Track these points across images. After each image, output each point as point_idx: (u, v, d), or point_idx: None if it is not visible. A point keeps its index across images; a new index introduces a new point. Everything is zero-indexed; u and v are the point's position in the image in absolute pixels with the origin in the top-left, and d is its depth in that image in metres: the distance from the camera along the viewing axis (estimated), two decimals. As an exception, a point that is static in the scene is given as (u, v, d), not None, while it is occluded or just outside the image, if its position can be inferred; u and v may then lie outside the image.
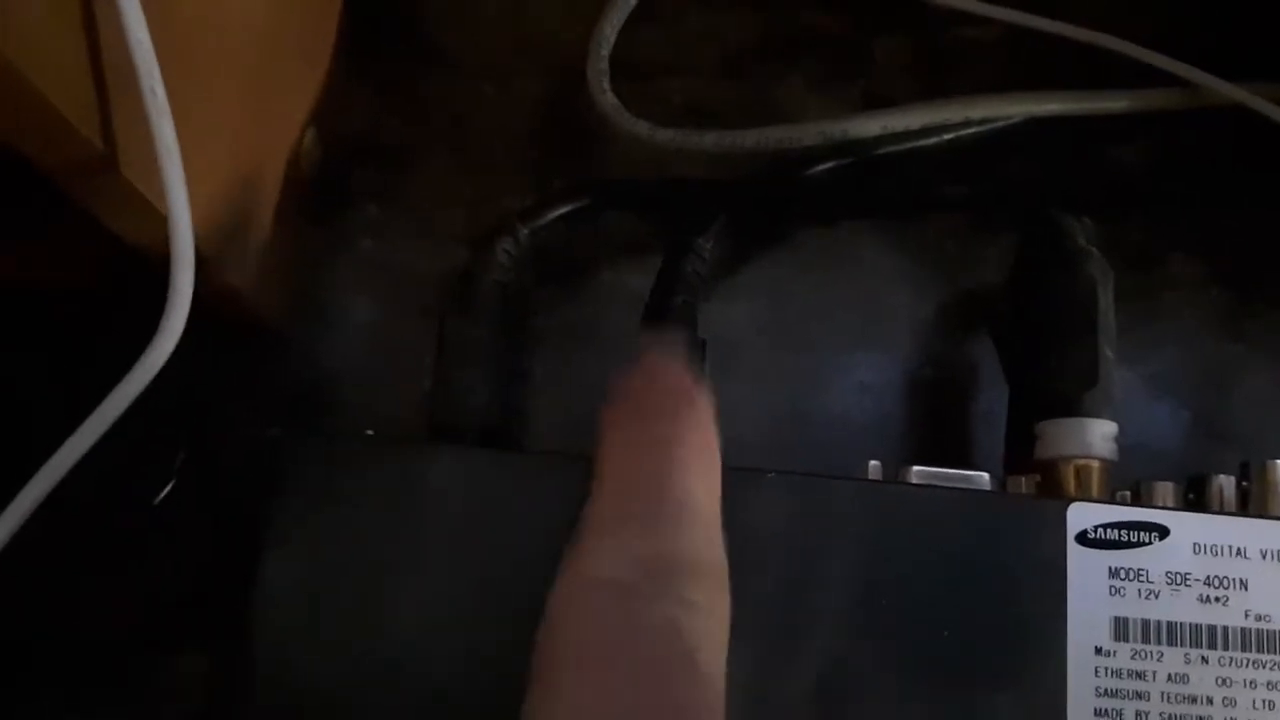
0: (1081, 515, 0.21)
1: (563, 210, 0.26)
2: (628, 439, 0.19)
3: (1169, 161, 0.31)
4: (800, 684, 0.21)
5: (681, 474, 0.18)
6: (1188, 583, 0.21)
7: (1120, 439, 0.24)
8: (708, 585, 0.17)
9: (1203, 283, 0.30)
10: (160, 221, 0.19)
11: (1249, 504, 0.23)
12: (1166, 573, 0.21)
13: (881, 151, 0.29)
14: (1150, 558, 0.21)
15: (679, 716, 0.16)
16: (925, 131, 0.29)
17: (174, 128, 0.18)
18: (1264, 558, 0.21)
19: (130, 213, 0.20)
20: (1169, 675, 0.21)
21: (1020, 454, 0.24)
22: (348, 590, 0.21)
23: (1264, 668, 0.21)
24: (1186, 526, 0.21)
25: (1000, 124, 0.29)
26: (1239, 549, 0.21)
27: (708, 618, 0.17)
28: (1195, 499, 0.24)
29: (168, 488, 0.21)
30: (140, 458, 0.22)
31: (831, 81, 0.31)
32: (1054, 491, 0.23)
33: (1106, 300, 0.24)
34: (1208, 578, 0.21)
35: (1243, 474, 0.23)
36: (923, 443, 0.29)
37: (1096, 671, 0.21)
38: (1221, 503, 0.23)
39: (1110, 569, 0.21)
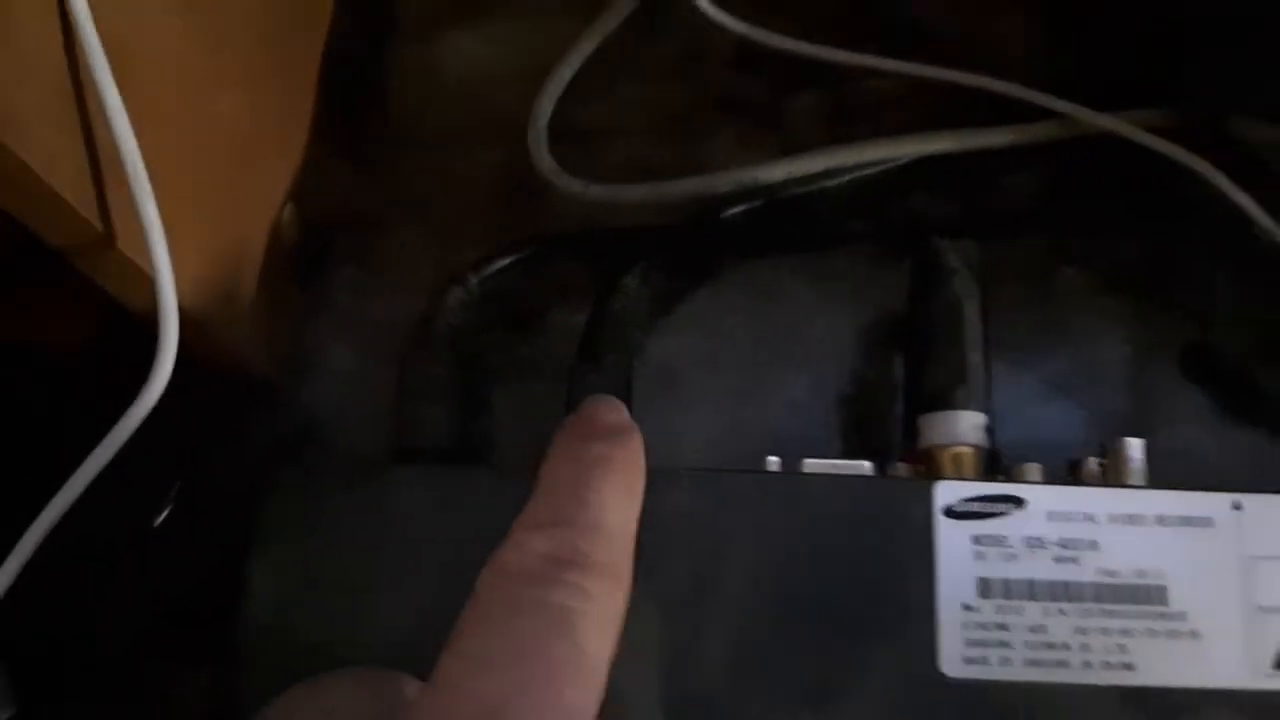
0: (947, 492, 0.25)
1: (506, 261, 0.30)
2: (566, 455, 0.22)
3: (1055, 186, 0.34)
4: (710, 653, 0.24)
5: (602, 490, 0.21)
6: (1044, 545, 0.24)
7: (992, 427, 0.27)
8: (606, 586, 0.19)
9: (1090, 293, 0.33)
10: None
11: (1107, 477, 0.26)
12: (1025, 538, 0.24)
13: (790, 193, 0.33)
14: (1010, 526, 0.25)
15: (560, 715, 0.17)
16: (828, 174, 0.32)
17: (156, 207, 0.22)
18: (1111, 521, 0.25)
19: (128, 282, 0.24)
20: (1029, 626, 0.24)
21: (910, 446, 0.28)
22: (325, 597, 0.25)
23: (1114, 617, 0.24)
24: (1041, 497, 0.25)
25: (895, 163, 0.33)
26: (1089, 515, 0.25)
27: (600, 615, 0.19)
28: (1071, 478, 0.27)
29: (165, 513, 0.25)
30: (142, 490, 0.26)
31: (752, 137, 0.35)
32: (933, 475, 0.26)
33: (973, 310, 0.27)
34: (1061, 540, 0.24)
35: (1102, 453, 0.27)
36: (848, 449, 0.32)
37: (965, 625, 0.24)
38: (1090, 479, 0.27)
39: (974, 537, 0.24)
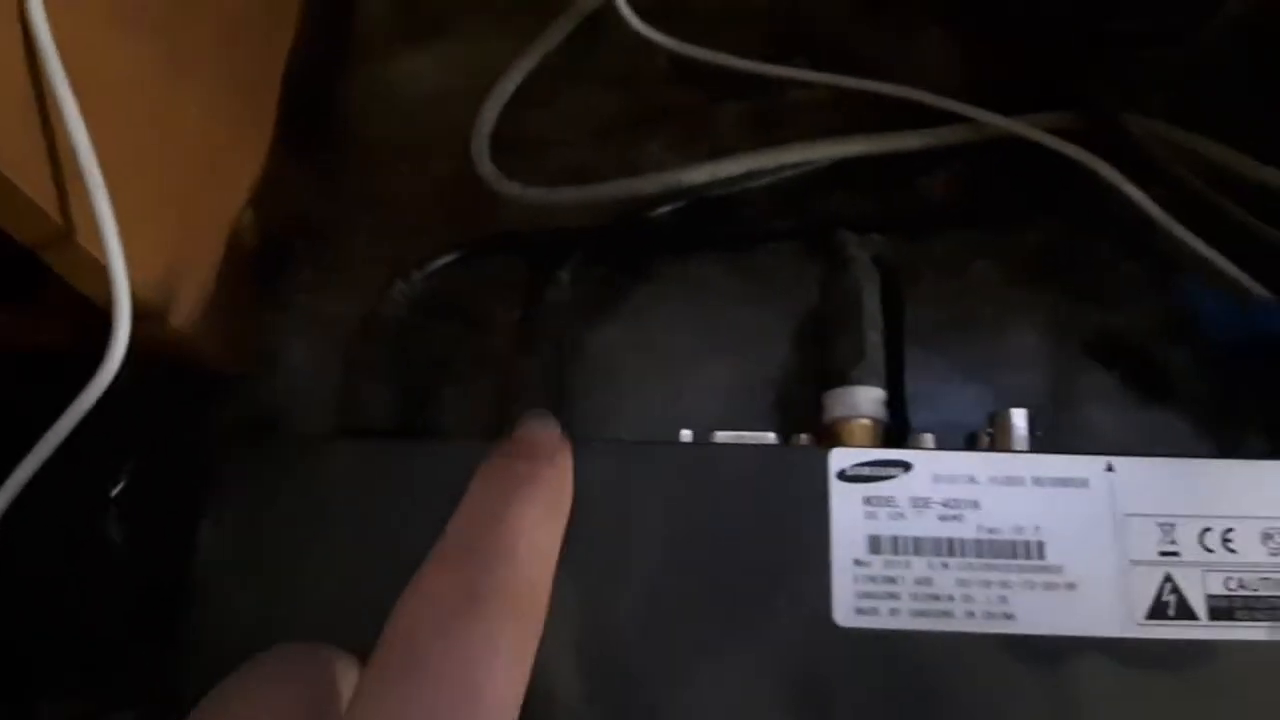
0: (841, 458, 0.27)
1: (448, 258, 0.32)
2: (489, 475, 0.23)
3: (966, 186, 0.37)
4: (619, 612, 0.26)
5: (522, 513, 0.21)
6: (929, 505, 0.27)
7: (892, 402, 0.29)
8: (511, 622, 0.20)
9: (1001, 285, 0.36)
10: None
11: (994, 444, 0.28)
12: (911, 498, 0.27)
13: (715, 195, 0.35)
14: (898, 487, 0.27)
15: None
16: (750, 176, 0.35)
17: (111, 205, 0.24)
18: (992, 483, 0.27)
19: (88, 274, 0.26)
20: (916, 579, 0.26)
21: (818, 421, 0.30)
22: (268, 571, 0.27)
23: (994, 570, 0.26)
24: (927, 462, 0.27)
25: (814, 166, 0.35)
26: (971, 477, 0.27)
27: (506, 651, 0.19)
28: (967, 449, 0.29)
29: (120, 485, 0.27)
30: (102, 469, 0.28)
31: (684, 144, 0.38)
32: (835, 446, 0.28)
33: (871, 295, 0.30)
34: (945, 500, 0.27)
35: (989, 422, 0.29)
36: (773, 429, 0.34)
37: (856, 579, 0.26)
38: (982, 449, 0.29)
39: (865, 498, 0.27)
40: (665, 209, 0.34)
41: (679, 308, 0.36)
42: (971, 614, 0.26)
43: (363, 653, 0.24)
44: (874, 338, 0.29)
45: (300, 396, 0.34)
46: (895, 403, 0.32)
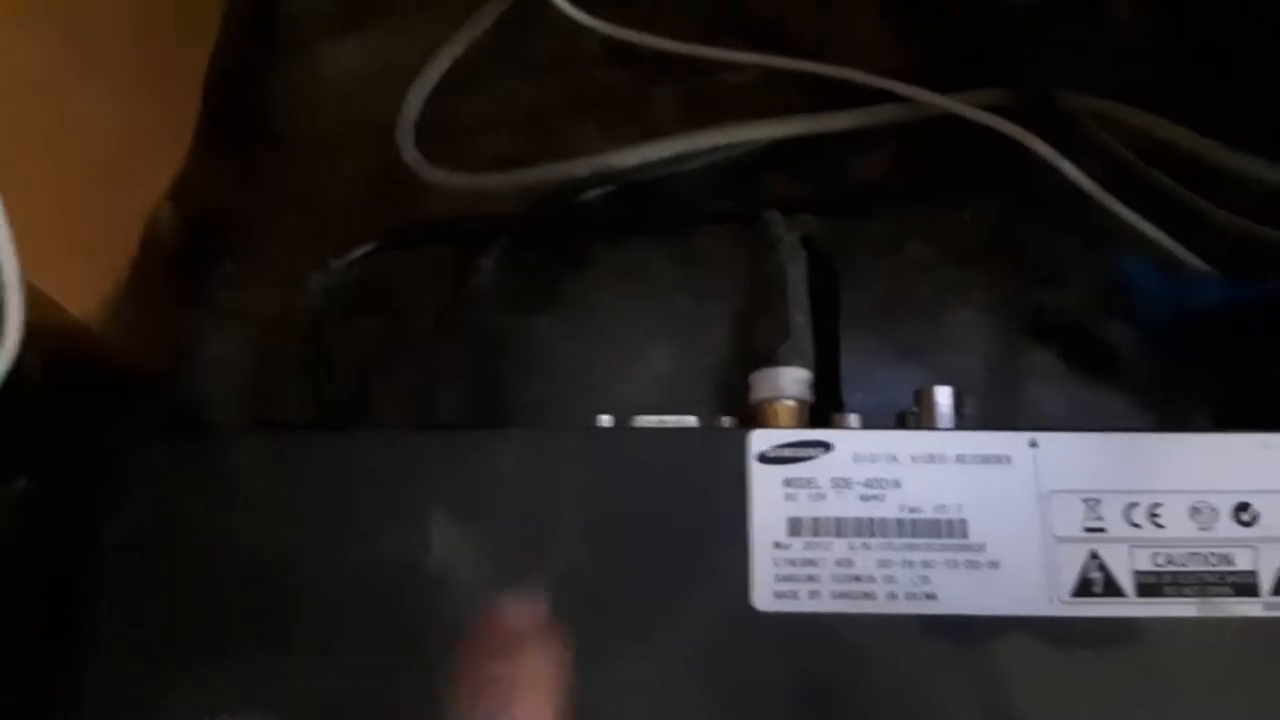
0: (761, 439, 0.26)
1: (364, 250, 0.32)
2: (472, 675, 0.23)
3: (902, 165, 0.36)
4: (540, 597, 0.25)
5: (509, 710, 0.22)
6: (850, 485, 0.26)
7: (827, 384, 0.29)
8: None
9: (935, 263, 0.35)
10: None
11: (921, 422, 0.28)
12: (832, 478, 0.26)
13: (646, 178, 0.34)
14: (818, 468, 0.26)
15: None
16: (681, 159, 0.34)
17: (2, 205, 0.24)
18: (913, 461, 0.26)
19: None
20: (836, 560, 0.25)
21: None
22: (172, 562, 0.26)
23: (916, 550, 0.26)
24: (848, 441, 0.26)
25: (747, 148, 0.35)
26: (892, 455, 0.26)
27: None
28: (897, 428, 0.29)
29: (23, 482, 0.26)
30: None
31: (619, 127, 0.37)
32: (760, 427, 0.28)
33: (796, 275, 0.29)
34: (867, 480, 0.26)
35: (915, 400, 0.28)
36: (709, 414, 0.34)
37: (776, 562, 0.25)
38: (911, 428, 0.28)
39: (785, 479, 0.26)
40: (595, 193, 0.34)
41: (614, 293, 0.35)
42: (893, 595, 0.25)
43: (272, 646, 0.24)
44: (799, 318, 0.28)
45: (220, 392, 0.33)
46: (830, 383, 0.31)
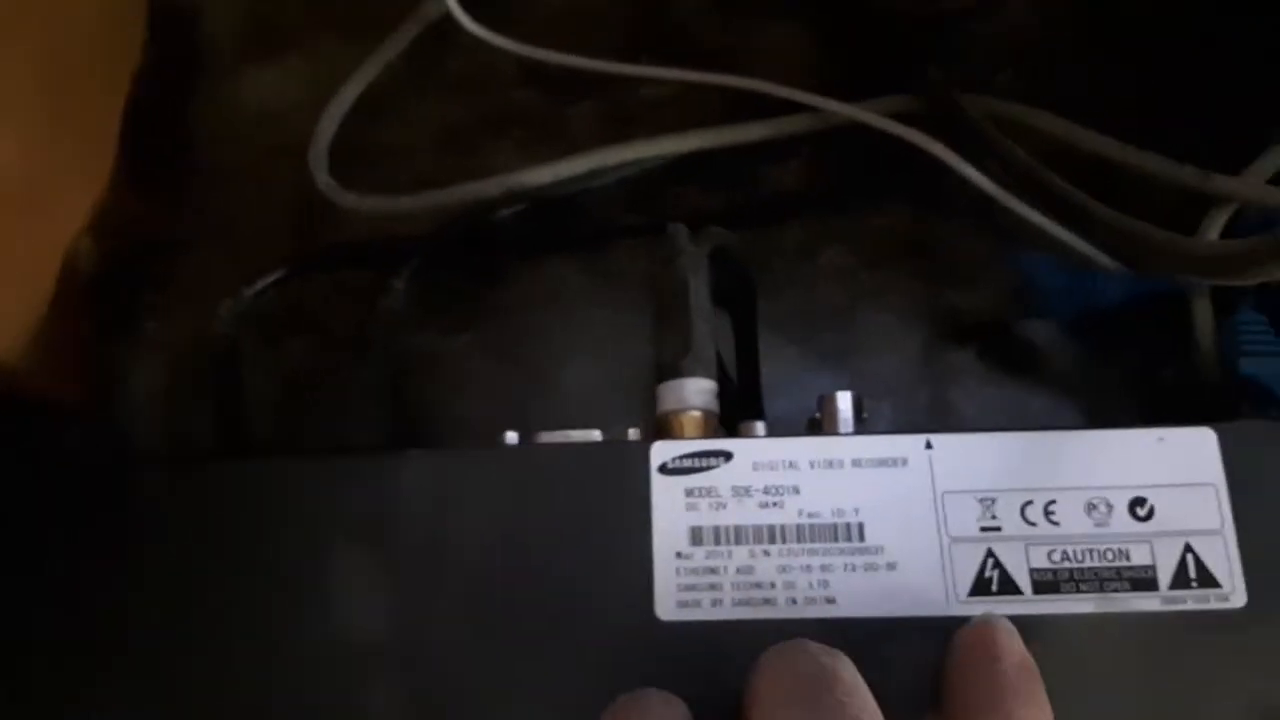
0: (662, 451, 0.27)
1: (273, 277, 0.32)
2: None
3: (815, 174, 0.37)
4: (443, 616, 0.26)
5: None
6: (750, 493, 0.26)
7: (727, 393, 0.29)
8: None
9: (851, 270, 0.36)
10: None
11: (823, 428, 0.28)
12: (732, 487, 0.26)
13: (561, 195, 0.35)
14: (718, 477, 0.26)
15: None
16: (592, 175, 0.35)
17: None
18: (812, 467, 0.27)
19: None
20: (737, 568, 0.26)
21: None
22: (72, 599, 0.26)
23: (815, 554, 0.26)
24: (747, 450, 0.27)
25: (659, 161, 0.35)
26: (791, 462, 0.27)
27: None
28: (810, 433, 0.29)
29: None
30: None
31: (536, 146, 0.37)
32: (667, 438, 0.28)
33: (699, 286, 0.29)
34: (766, 487, 0.26)
35: (818, 405, 0.29)
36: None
37: (678, 571, 0.26)
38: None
39: (686, 489, 0.26)
40: (507, 212, 0.34)
41: (532, 311, 0.36)
42: (793, 600, 0.26)
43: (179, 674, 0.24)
44: (702, 328, 0.29)
45: (143, 424, 0.34)
46: (750, 392, 0.32)
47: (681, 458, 0.27)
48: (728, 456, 0.27)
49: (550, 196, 0.35)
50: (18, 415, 0.31)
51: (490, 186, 0.34)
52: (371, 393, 0.31)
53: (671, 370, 0.29)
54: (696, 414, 0.28)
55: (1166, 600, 0.25)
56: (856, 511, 0.26)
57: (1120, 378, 0.34)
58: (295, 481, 0.27)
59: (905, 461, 0.26)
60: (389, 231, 0.36)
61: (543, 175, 0.34)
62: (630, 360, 0.35)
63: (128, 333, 0.35)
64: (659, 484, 0.26)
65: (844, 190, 0.36)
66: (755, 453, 0.27)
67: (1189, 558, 0.26)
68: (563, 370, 0.35)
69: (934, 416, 0.34)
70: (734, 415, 0.30)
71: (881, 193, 0.36)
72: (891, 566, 0.26)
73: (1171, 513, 0.26)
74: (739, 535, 0.26)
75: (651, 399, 0.34)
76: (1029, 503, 0.26)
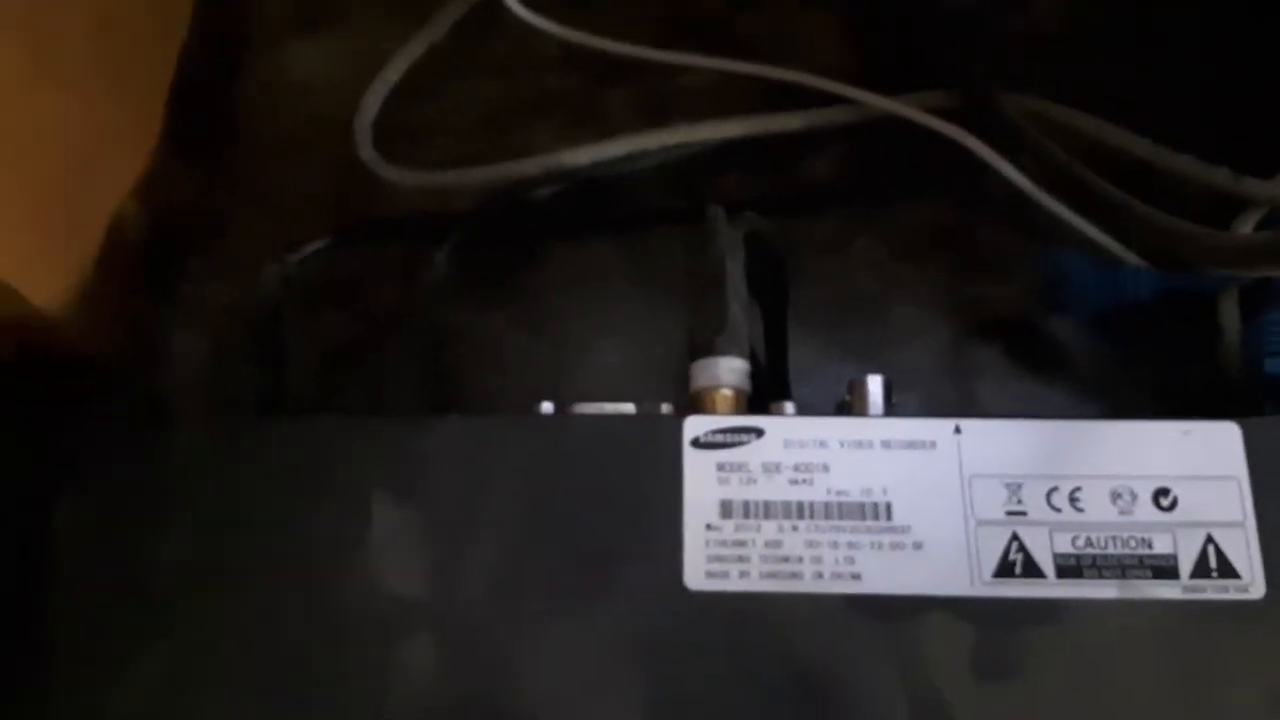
0: (695, 425, 0.27)
1: (318, 245, 0.33)
2: None
3: (851, 166, 0.37)
4: (479, 578, 0.26)
5: None
6: (780, 470, 0.27)
7: (758, 373, 0.30)
8: None
9: (883, 261, 0.36)
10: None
11: (852, 410, 0.29)
12: (763, 463, 0.27)
13: (600, 177, 0.35)
14: (750, 453, 0.27)
15: None
16: (631, 158, 0.35)
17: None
18: (842, 446, 0.27)
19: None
20: (766, 542, 0.26)
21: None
22: (131, 548, 0.27)
23: (843, 531, 0.26)
24: (778, 427, 0.27)
25: (696, 148, 0.36)
26: (821, 441, 0.27)
27: None
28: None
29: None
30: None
31: (574, 129, 0.38)
32: (699, 414, 0.29)
33: (734, 267, 0.30)
34: (796, 465, 0.27)
35: (849, 389, 0.29)
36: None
37: (708, 543, 0.26)
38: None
39: (718, 464, 0.27)
40: (546, 191, 0.34)
41: (568, 290, 0.36)
42: (820, 575, 0.26)
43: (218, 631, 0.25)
44: (736, 309, 0.29)
45: (187, 387, 0.34)
46: (778, 374, 0.32)
47: (714, 432, 0.27)
48: (759, 433, 0.27)
49: (589, 178, 0.35)
50: (60, 372, 0.32)
51: (530, 166, 0.35)
52: (408, 365, 0.32)
53: (705, 348, 0.29)
54: (729, 392, 0.29)
55: (1187, 589, 0.26)
56: (885, 491, 0.27)
57: (1146, 376, 0.34)
58: (335, 441, 0.27)
59: (934, 444, 0.27)
60: (425, 207, 0.37)
61: (582, 157, 0.35)
62: (663, 340, 0.36)
63: (170, 297, 0.36)
64: (691, 457, 0.27)
65: (879, 183, 0.37)
66: (786, 430, 0.27)
67: (1210, 548, 0.26)
68: (597, 348, 0.36)
69: (960, 409, 0.35)
70: (763, 398, 0.30)
71: (916, 186, 0.36)
72: (918, 546, 0.26)
73: (1194, 504, 0.27)
74: (768, 510, 0.26)
75: (683, 380, 0.35)
76: (1055, 489, 0.27)
